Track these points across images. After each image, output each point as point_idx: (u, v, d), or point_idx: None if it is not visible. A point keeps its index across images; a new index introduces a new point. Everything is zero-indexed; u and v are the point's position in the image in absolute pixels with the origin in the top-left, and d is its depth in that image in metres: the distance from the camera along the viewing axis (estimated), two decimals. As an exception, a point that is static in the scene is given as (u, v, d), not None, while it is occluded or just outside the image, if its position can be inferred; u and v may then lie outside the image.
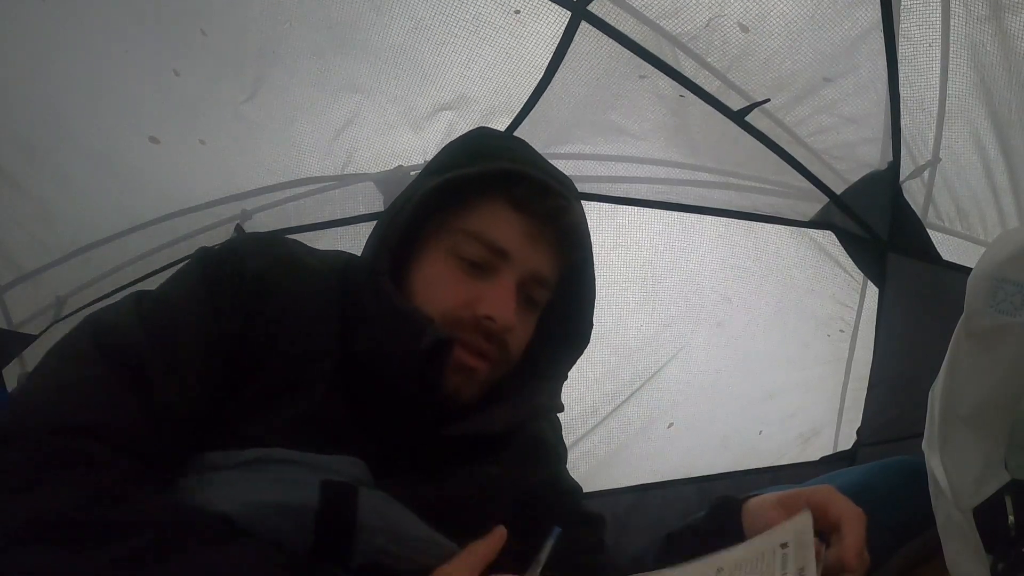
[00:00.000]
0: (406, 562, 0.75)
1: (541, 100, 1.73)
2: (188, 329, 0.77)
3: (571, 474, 1.05)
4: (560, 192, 0.88)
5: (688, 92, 1.68)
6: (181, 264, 0.85)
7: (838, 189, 1.93)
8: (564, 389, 0.97)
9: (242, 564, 0.65)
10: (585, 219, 0.92)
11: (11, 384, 1.73)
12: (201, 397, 0.76)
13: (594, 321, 0.96)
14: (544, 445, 1.01)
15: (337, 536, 0.73)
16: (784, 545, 0.72)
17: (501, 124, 1.77)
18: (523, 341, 0.90)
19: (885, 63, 1.60)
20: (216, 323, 0.78)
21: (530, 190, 0.85)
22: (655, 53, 1.62)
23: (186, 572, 0.63)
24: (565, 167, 0.95)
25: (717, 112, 1.71)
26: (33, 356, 1.78)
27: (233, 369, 0.78)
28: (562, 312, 0.95)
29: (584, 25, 1.57)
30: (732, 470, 2.41)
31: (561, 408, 0.95)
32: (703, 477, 2.40)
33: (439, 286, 0.84)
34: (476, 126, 1.74)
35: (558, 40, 1.61)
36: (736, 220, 2.10)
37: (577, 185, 0.96)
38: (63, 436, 0.67)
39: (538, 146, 0.96)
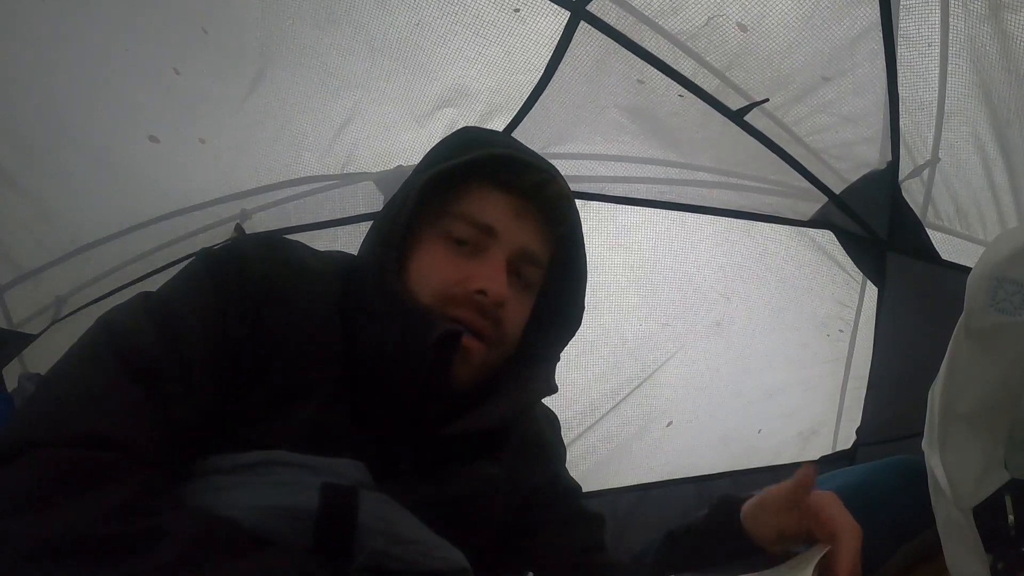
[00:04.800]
0: (406, 564, 0.75)
1: (541, 99, 1.73)
2: (198, 336, 0.77)
3: (570, 473, 1.05)
4: (541, 167, 0.90)
5: (687, 92, 1.68)
6: (184, 265, 0.85)
7: (837, 188, 1.93)
8: (563, 388, 0.97)
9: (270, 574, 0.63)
10: (570, 193, 0.93)
11: (11, 384, 1.72)
12: (211, 404, 0.76)
13: (594, 321, 0.97)
14: (543, 445, 1.02)
15: (336, 539, 0.73)
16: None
17: (501, 122, 1.77)
18: (519, 322, 0.91)
19: (884, 62, 1.60)
20: (223, 328, 0.78)
21: (513, 169, 0.88)
22: (654, 53, 1.62)
23: None
24: (565, 167, 0.95)
25: (716, 112, 1.71)
26: (33, 356, 1.78)
27: (239, 372, 0.78)
28: (555, 296, 0.96)
29: (583, 25, 1.57)
30: (731, 469, 2.41)
31: (555, 389, 0.95)
32: (702, 476, 2.40)
33: (432, 268, 0.86)
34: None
35: (557, 39, 1.61)
36: (735, 220, 2.11)
37: (577, 185, 0.96)
38: (80, 447, 0.65)
39: (537, 146, 0.97)
